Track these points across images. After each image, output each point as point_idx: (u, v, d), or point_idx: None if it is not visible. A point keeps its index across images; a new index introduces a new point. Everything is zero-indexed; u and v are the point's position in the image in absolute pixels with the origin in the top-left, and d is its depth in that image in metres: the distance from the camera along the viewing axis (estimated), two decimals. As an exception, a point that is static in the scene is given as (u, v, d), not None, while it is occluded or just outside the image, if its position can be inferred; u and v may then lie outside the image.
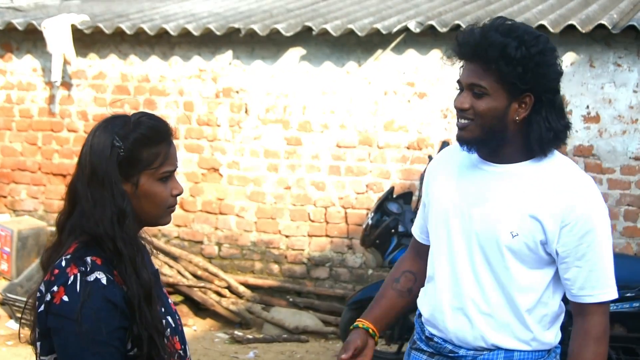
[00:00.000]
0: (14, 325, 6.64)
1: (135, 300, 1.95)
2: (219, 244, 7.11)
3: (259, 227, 6.98)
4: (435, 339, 2.49)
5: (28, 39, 7.53)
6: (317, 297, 6.80)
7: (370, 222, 5.35)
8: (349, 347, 2.57)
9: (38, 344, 1.99)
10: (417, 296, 2.63)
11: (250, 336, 6.48)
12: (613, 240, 6.20)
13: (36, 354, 2.05)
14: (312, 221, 6.80)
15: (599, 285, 2.31)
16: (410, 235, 5.36)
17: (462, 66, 2.34)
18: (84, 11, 7.74)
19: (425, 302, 2.53)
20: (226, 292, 6.91)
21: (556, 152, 2.36)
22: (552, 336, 2.43)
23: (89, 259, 1.94)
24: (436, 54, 6.32)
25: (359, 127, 6.61)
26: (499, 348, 2.39)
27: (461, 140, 2.36)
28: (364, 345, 2.59)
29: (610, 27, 5.66)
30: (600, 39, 5.89)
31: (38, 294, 1.97)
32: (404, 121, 6.47)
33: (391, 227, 5.24)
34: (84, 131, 7.42)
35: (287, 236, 6.90)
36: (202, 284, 6.85)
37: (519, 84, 2.24)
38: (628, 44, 5.84)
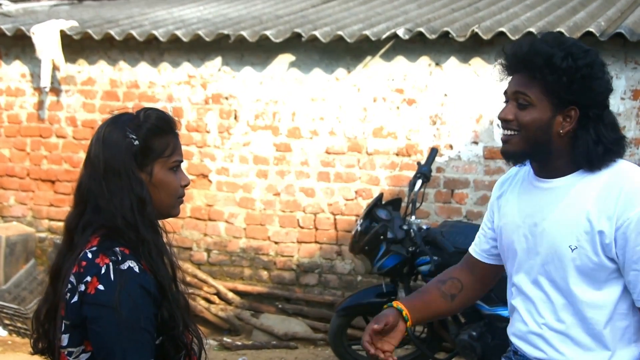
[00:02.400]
0: (1, 331, 6.61)
1: (166, 282, 2.04)
2: (208, 250, 7.10)
3: (248, 234, 6.97)
4: (520, 353, 2.49)
5: (17, 44, 7.52)
6: (306, 304, 6.79)
7: (359, 228, 5.36)
8: (381, 320, 2.52)
9: (66, 336, 2.02)
10: (459, 305, 2.65)
11: (239, 343, 6.48)
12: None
13: (54, 349, 2.09)
14: (302, 227, 6.80)
15: None
16: (399, 242, 5.38)
17: (510, 79, 2.34)
18: (73, 17, 7.73)
19: (509, 329, 2.54)
20: (215, 298, 6.90)
21: (618, 162, 2.30)
22: (636, 351, 2.34)
23: (117, 249, 2.01)
24: (425, 60, 6.34)
25: (348, 134, 6.62)
26: None
27: (505, 153, 2.35)
28: (395, 324, 2.54)
29: (597, 35, 5.68)
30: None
31: (69, 286, 2.01)
32: (393, 128, 6.48)
33: (380, 233, 5.25)
34: (73, 137, 7.41)
35: (276, 242, 6.90)
36: (191, 291, 6.84)
37: (564, 95, 2.23)
38: (615, 52, 5.87)
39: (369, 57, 6.52)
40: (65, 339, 2.02)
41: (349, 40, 6.33)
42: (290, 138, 6.78)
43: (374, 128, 6.54)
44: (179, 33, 6.81)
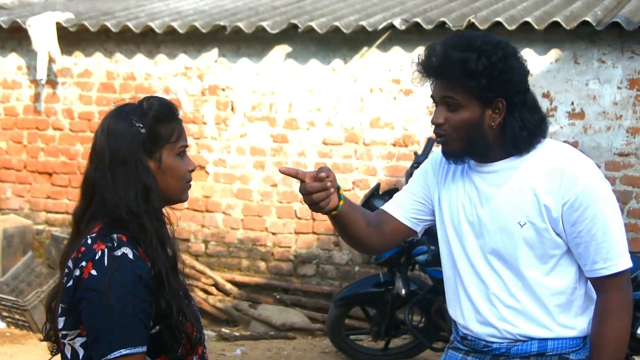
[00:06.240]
0: None
1: (163, 272, 2.05)
2: (206, 242, 7.11)
3: (246, 225, 6.98)
4: (470, 338, 2.51)
5: (13, 37, 7.50)
6: (304, 294, 6.80)
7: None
8: (324, 170, 2.53)
9: (62, 319, 2.05)
10: (367, 233, 2.59)
11: (237, 333, 6.49)
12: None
13: (55, 334, 2.12)
14: (299, 218, 6.81)
15: (610, 257, 2.32)
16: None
17: (432, 82, 2.39)
18: (69, 9, 7.71)
19: (457, 313, 2.55)
20: (213, 289, 6.91)
21: (544, 141, 2.40)
22: (584, 323, 2.42)
23: (115, 235, 2.02)
24: (421, 51, 6.33)
25: (345, 125, 6.62)
26: (532, 338, 2.41)
27: (446, 155, 2.41)
28: (332, 182, 2.54)
29: (594, 24, 5.69)
30: (584, 36, 5.92)
31: (66, 270, 2.04)
32: (389, 118, 6.49)
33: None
34: (70, 129, 7.40)
35: (273, 233, 6.91)
36: (188, 282, 6.83)
37: (488, 94, 2.30)
38: (612, 41, 5.88)
39: (365, 48, 6.52)
40: (61, 321, 2.04)
41: (345, 31, 6.33)
42: (287, 129, 6.78)
43: (371, 119, 6.55)
44: (175, 24, 6.81)
